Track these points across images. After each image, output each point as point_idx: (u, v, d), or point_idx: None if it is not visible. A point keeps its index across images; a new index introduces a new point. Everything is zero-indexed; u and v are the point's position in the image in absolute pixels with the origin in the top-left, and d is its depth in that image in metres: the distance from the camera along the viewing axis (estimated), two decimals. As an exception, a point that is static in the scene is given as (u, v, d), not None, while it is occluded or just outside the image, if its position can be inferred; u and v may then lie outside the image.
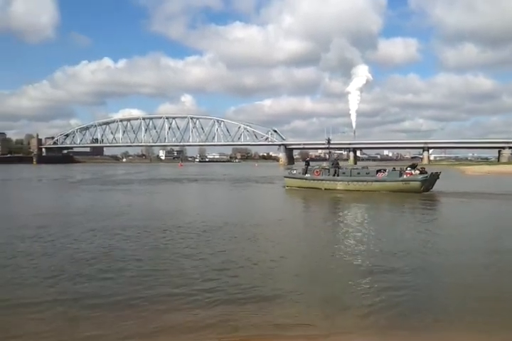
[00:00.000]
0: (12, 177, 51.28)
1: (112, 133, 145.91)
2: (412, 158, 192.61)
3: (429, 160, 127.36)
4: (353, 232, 12.68)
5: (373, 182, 26.06)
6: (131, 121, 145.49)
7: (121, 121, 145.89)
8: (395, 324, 5.82)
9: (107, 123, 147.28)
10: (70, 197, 25.81)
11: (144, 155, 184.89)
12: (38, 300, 6.57)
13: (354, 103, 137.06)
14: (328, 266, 8.75)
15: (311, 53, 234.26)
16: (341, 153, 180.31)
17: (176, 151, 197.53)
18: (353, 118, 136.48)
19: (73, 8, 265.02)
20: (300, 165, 40.26)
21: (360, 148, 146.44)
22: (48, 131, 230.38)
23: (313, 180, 28.37)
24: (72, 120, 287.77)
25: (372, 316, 6.04)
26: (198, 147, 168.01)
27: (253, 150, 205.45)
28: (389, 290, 7.10)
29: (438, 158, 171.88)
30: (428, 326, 5.76)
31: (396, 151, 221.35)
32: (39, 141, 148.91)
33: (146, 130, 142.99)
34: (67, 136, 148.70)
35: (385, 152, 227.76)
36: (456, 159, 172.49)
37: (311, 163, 32.76)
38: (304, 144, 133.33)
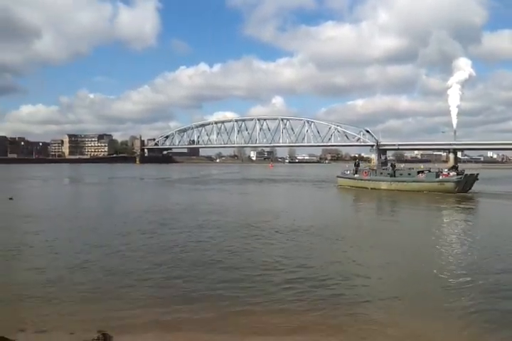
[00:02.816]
0: (118, 175, 56.09)
1: (207, 134, 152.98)
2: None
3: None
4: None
5: (412, 183, 27.74)
6: (225, 123, 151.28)
7: (215, 123, 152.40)
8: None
9: (203, 125, 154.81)
10: (171, 195, 27.72)
11: (236, 155, 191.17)
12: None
13: (455, 98, 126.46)
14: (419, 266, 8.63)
15: (407, 49, 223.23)
16: (440, 155, 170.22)
17: (267, 152, 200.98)
18: (454, 115, 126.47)
19: (174, 17, 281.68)
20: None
21: (462, 149, 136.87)
22: (150, 133, 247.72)
23: (361, 180, 30.93)
24: (171, 122, 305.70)
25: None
26: (288, 148, 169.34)
27: (344, 151, 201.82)
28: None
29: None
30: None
31: (501, 153, 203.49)
32: (142, 142, 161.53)
33: (238, 131, 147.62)
34: (167, 137, 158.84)
35: (489, 153, 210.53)
36: None
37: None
38: (399, 145, 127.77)
